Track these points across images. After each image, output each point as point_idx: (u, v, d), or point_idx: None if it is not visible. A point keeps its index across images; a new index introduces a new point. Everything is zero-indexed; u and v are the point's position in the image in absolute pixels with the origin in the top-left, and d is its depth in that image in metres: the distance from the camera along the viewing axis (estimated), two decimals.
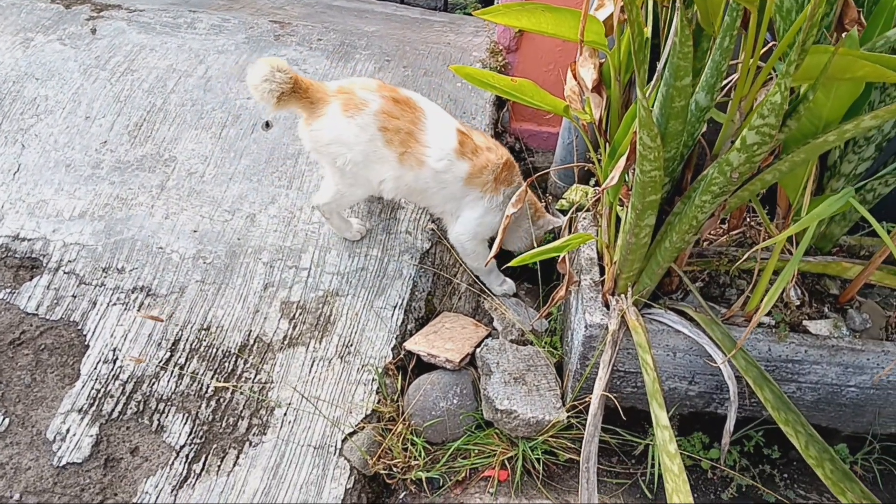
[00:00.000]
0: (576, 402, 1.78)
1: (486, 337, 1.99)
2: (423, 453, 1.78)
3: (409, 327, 1.99)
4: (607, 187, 1.46)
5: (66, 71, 2.45)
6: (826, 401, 1.73)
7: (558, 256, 1.82)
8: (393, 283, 2.05)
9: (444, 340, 1.96)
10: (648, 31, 1.48)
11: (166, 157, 2.27)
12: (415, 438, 1.80)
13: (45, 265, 2.03)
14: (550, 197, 2.47)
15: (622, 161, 1.43)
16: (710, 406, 1.79)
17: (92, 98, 2.38)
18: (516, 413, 1.78)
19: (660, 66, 1.33)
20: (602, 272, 1.79)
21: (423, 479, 1.75)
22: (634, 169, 1.44)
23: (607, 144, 1.59)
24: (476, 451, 1.79)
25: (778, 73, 1.19)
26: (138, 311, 1.95)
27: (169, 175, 2.23)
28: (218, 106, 2.39)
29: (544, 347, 1.94)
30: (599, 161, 1.78)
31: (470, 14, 3.20)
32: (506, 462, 1.77)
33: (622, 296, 1.66)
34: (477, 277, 2.13)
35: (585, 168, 2.25)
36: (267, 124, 2.37)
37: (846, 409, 1.74)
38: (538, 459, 1.76)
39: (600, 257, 1.82)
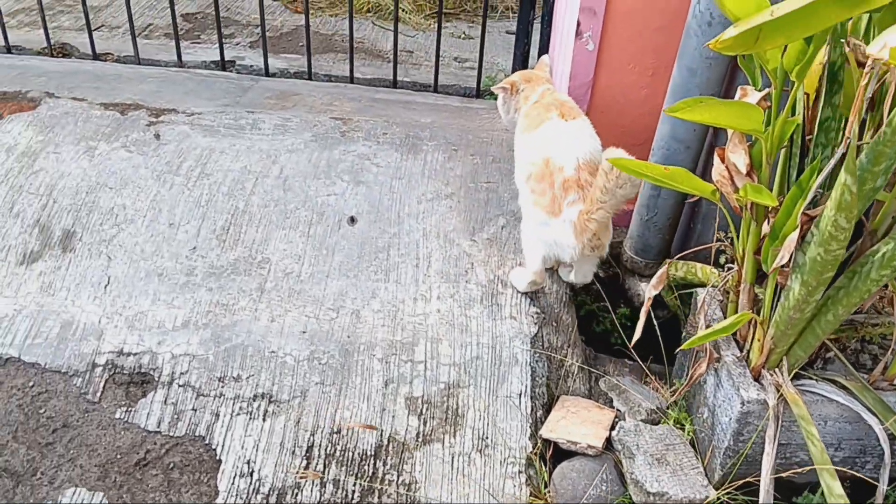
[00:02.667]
0: (727, 479, 1.80)
1: (615, 418, 2.00)
2: None
3: (538, 415, 1.99)
4: (777, 267, 1.51)
5: (138, 178, 2.42)
6: None
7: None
8: (511, 370, 2.06)
9: (577, 426, 1.97)
10: (799, 117, 1.57)
11: (259, 259, 2.26)
12: None
13: (157, 379, 1.98)
14: (624, 270, 2.53)
15: (792, 242, 1.49)
16: (852, 468, 1.83)
17: (172, 204, 2.36)
18: (668, 495, 1.79)
19: (840, 150, 1.41)
20: (739, 347, 1.83)
21: None
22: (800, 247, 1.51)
23: (753, 223, 1.66)
24: None
25: None
26: (263, 419, 1.91)
27: (266, 277, 2.21)
28: (300, 205, 2.40)
29: (676, 425, 1.97)
30: (729, 240, 1.85)
31: None
32: None
33: (776, 370, 1.71)
34: None
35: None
36: (352, 219, 2.38)
37: None
38: None
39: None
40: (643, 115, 2.51)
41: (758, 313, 1.77)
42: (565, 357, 2.16)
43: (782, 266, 1.55)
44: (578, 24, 2.38)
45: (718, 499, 1.79)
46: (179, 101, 2.80)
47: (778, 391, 1.69)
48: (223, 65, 3.30)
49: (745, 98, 1.59)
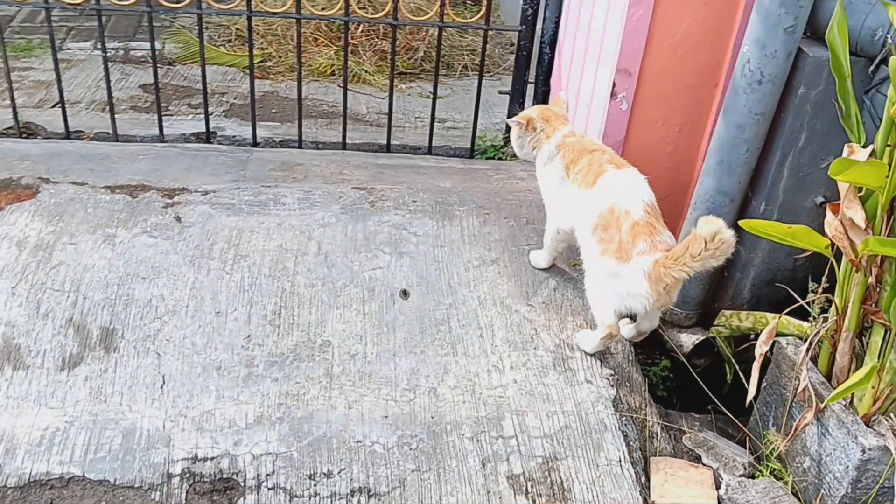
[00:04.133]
0: None
1: (712, 476, 2.00)
2: None
3: (643, 480, 1.96)
4: None
5: (171, 265, 2.27)
6: None
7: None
8: (603, 436, 2.03)
9: (683, 488, 1.95)
10: None
11: (319, 342, 2.15)
12: None
13: (243, 484, 1.83)
14: (662, 322, 2.55)
15: None
16: None
17: (214, 291, 2.22)
18: None
19: None
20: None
21: None
22: None
23: (860, 275, 1.71)
24: None
25: None
26: None
27: (331, 361, 2.10)
28: (348, 281, 2.30)
29: (774, 478, 1.98)
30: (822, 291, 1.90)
31: (496, 158, 3.30)
32: None
33: (891, 415, 1.76)
34: None
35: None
36: (404, 293, 2.30)
37: None
38: None
39: (830, 378, 1.91)
40: (668, 169, 2.57)
41: (858, 361, 1.82)
42: (646, 417, 2.15)
43: None
44: (614, 86, 2.42)
45: None
46: (185, 179, 2.65)
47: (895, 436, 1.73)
48: (208, 137, 3.16)
49: (853, 155, 1.65)
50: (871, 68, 2.11)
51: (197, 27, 2.97)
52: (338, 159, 3.02)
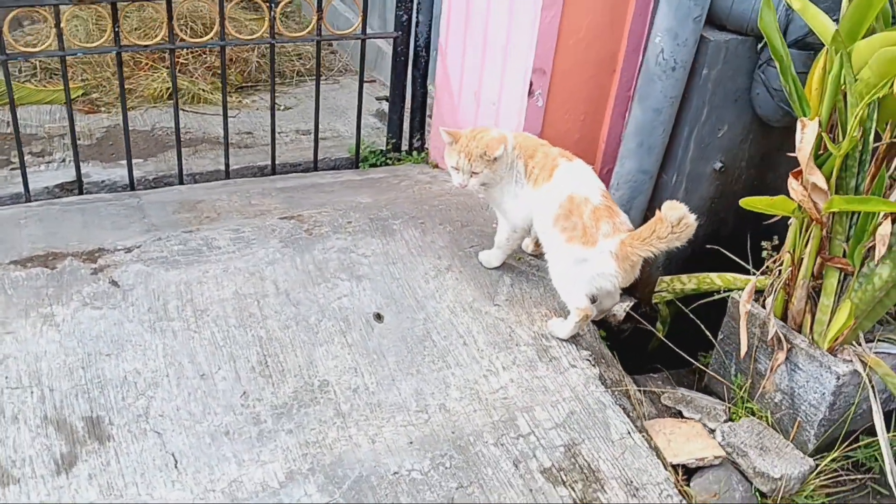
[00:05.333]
0: (819, 449, 2.12)
1: (702, 427, 2.22)
2: None
3: (652, 444, 2.13)
4: (881, 258, 1.85)
5: (131, 335, 2.09)
6: None
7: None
8: (605, 413, 2.17)
9: (687, 443, 2.15)
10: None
11: (317, 383, 2.10)
12: None
13: None
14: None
15: (886, 235, 1.83)
16: None
17: (190, 354, 2.08)
18: (788, 475, 2.06)
19: None
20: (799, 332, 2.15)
21: None
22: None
23: (817, 229, 1.99)
24: None
25: None
26: None
27: (336, 400, 2.07)
28: (321, 315, 2.26)
29: (751, 416, 2.24)
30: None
31: (384, 164, 3.31)
32: None
33: (854, 343, 2.06)
34: None
35: None
36: (378, 316, 2.30)
37: None
38: None
39: (784, 321, 2.18)
40: (579, 156, 2.75)
41: (814, 303, 2.12)
42: (627, 387, 2.33)
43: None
44: (531, 85, 2.55)
45: (817, 465, 2.10)
46: (93, 238, 2.43)
47: (860, 360, 2.04)
48: (81, 188, 2.88)
49: (805, 129, 1.91)
50: (760, 46, 2.40)
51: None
52: (234, 189, 2.89)
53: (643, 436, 2.14)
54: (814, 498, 2.09)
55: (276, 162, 3.18)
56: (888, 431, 2.03)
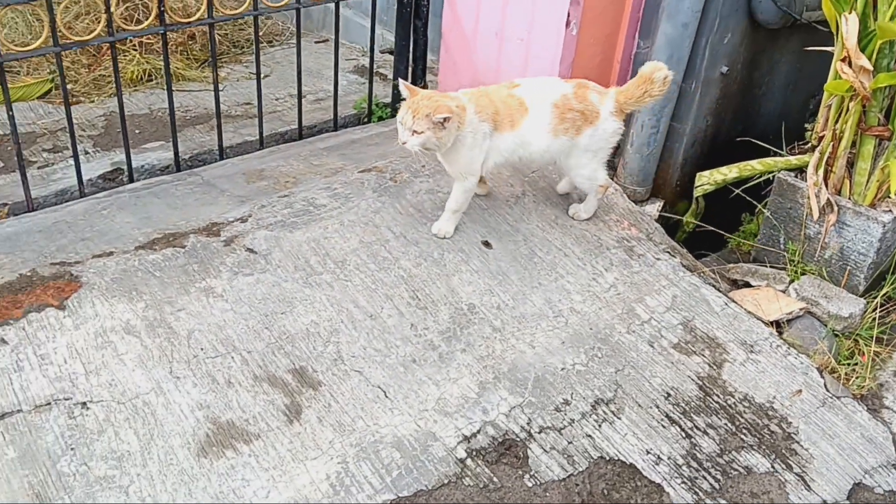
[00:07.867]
0: (868, 290, 2.58)
1: (774, 291, 2.62)
2: None
3: (746, 310, 2.51)
4: None
5: (294, 292, 2.23)
6: None
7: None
8: (700, 293, 2.53)
9: (774, 304, 2.54)
10: None
11: (465, 308, 2.33)
12: None
13: (518, 439, 2.04)
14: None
15: None
16: None
17: (352, 300, 2.25)
18: (853, 313, 2.51)
19: None
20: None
21: None
22: None
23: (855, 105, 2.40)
24: None
25: None
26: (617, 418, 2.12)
27: (488, 318, 2.31)
28: (441, 251, 2.47)
29: (803, 275, 2.67)
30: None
31: (389, 118, 3.47)
32: None
33: (887, 198, 2.51)
34: None
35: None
36: (486, 243, 2.53)
37: None
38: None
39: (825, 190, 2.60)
40: (597, 76, 3.05)
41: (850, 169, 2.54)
42: (701, 269, 2.69)
43: None
44: (569, 15, 2.81)
45: (874, 301, 2.56)
46: (196, 215, 2.51)
47: None
48: (131, 175, 2.89)
49: (847, 21, 2.29)
50: None
51: None
52: (282, 155, 3.00)
53: (737, 305, 2.52)
54: (874, 329, 2.54)
55: (289, 128, 3.29)
56: None
